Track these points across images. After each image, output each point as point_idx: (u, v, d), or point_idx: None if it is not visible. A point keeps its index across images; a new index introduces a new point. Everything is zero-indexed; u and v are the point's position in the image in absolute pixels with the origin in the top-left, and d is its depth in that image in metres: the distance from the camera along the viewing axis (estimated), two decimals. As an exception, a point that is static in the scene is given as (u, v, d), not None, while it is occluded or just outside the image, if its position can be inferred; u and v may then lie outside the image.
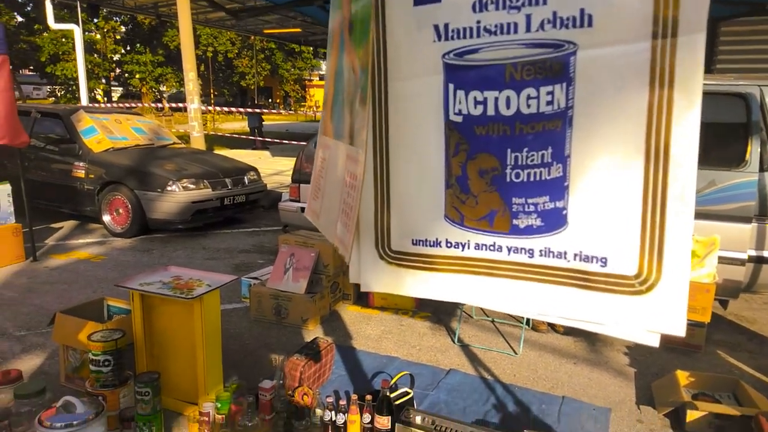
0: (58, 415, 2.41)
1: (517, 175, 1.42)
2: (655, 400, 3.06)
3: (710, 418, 2.77)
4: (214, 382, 2.90)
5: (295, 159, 5.89)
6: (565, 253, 1.42)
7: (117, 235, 6.58)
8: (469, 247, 1.55)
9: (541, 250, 1.45)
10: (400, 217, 1.68)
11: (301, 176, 5.58)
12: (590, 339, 3.93)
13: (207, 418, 2.65)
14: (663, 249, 1.29)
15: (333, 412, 2.64)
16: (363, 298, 4.57)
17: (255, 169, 7.51)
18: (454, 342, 3.87)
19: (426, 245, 1.63)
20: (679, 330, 1.30)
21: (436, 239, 1.61)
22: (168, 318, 2.89)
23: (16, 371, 2.74)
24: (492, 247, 1.51)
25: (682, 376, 3.13)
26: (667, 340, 3.72)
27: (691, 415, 2.78)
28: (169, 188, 6.31)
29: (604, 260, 1.37)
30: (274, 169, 12.90)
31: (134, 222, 6.46)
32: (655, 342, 1.35)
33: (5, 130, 4.97)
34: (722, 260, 3.70)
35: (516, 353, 3.70)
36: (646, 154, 1.28)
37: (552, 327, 4.08)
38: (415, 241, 1.66)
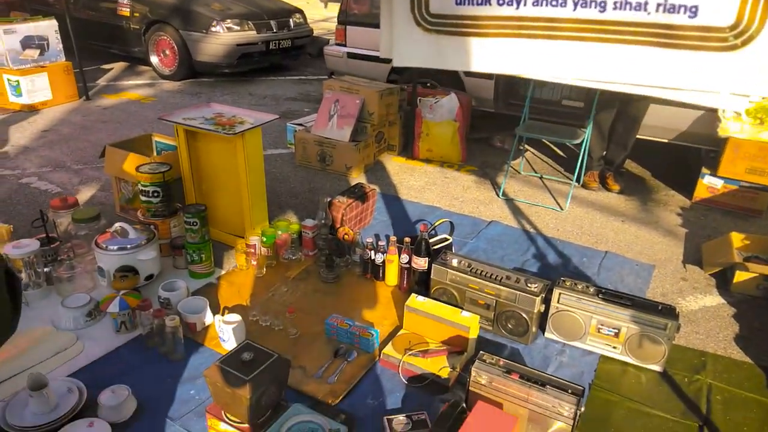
0: (112, 239, 2.55)
1: None
2: (703, 260, 2.98)
3: (759, 281, 2.67)
4: (260, 218, 2.98)
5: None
6: (646, 3, 1.20)
7: (165, 78, 6.56)
8: (525, 4, 1.32)
9: (615, 2, 1.23)
10: None
11: (347, 18, 5.23)
12: (643, 198, 3.78)
13: (253, 250, 2.76)
14: None
15: (372, 252, 2.69)
16: (408, 150, 4.47)
17: (300, 12, 7.11)
18: (498, 195, 3.80)
19: (472, 4, 1.39)
20: None
21: None
22: (213, 155, 2.91)
23: (72, 198, 2.88)
24: (554, 2, 1.29)
25: (737, 238, 2.99)
26: (724, 203, 3.55)
27: (740, 276, 2.69)
28: (213, 29, 6.10)
29: (694, 10, 1.15)
30: (322, 15, 12.27)
31: (181, 64, 6.38)
32: (742, 105, 1.18)
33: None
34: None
35: (562, 209, 3.61)
36: None
37: (604, 185, 3.92)
38: (458, 1, 1.42)
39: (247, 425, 1.58)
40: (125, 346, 2.24)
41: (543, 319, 2.36)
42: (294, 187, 3.85)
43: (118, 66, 7.15)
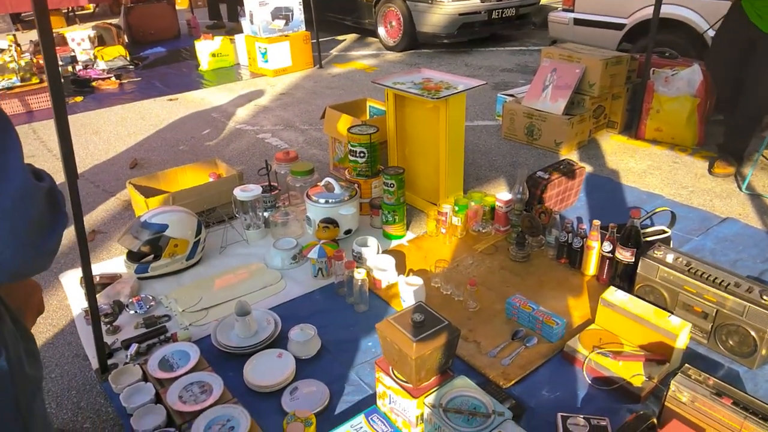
0: (321, 192, 2.76)
1: None
2: None
3: None
4: (455, 188, 2.94)
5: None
6: None
7: (389, 49, 6.87)
8: None
9: None
10: None
11: (578, -19, 4.80)
12: None
13: (444, 218, 2.75)
14: None
15: (570, 235, 2.46)
16: (632, 128, 3.97)
17: (529, -21, 6.78)
18: (741, 189, 3.17)
19: None
20: None
21: None
22: (417, 119, 2.94)
23: (294, 153, 3.18)
24: None
25: None
26: None
27: None
28: (437, -1, 6.17)
29: None
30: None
31: (405, 35, 6.60)
32: None
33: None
34: None
35: (831, 212, 2.86)
36: None
37: None
38: None
39: (410, 385, 1.57)
40: (319, 290, 2.43)
41: (780, 343, 1.90)
42: (495, 160, 3.72)
43: (349, 37, 7.72)
